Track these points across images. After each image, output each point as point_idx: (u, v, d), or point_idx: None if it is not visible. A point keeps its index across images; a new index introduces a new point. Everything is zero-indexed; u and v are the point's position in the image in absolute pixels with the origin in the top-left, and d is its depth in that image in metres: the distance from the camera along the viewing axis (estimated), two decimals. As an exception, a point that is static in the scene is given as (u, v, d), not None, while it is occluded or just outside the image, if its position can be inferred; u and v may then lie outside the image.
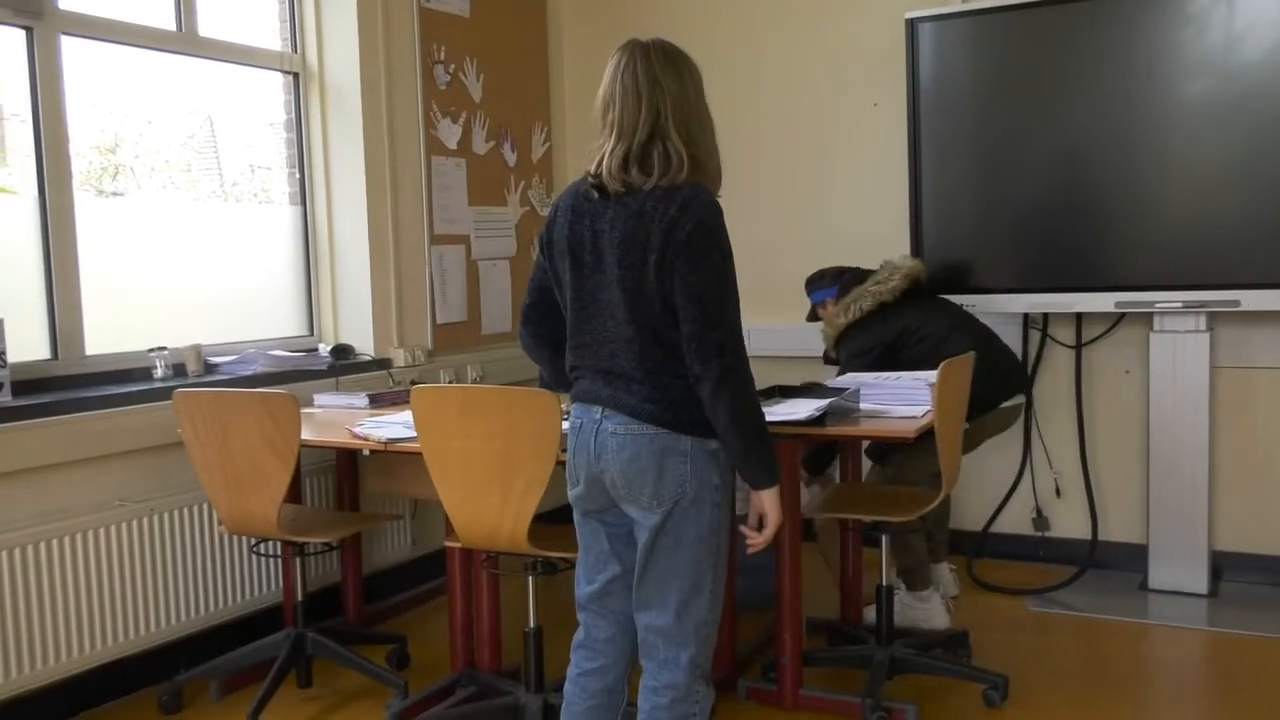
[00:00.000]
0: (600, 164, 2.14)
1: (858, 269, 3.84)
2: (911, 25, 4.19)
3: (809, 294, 3.93)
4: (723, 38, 4.80)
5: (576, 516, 2.31)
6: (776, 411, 3.07)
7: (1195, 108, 3.81)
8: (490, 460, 2.64)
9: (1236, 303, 3.79)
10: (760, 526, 2.22)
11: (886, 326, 3.67)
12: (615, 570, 2.27)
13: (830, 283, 3.86)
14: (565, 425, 2.33)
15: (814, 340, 4.58)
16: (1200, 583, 3.98)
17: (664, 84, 2.13)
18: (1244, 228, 3.78)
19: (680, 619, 2.19)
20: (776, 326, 4.54)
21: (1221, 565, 4.09)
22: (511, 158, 4.82)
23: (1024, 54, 4.05)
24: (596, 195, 2.15)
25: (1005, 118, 4.07)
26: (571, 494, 2.28)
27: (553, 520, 2.80)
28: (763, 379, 3.74)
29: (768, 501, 2.19)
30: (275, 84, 4.12)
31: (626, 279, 2.09)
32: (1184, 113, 3.83)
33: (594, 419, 2.16)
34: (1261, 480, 4.06)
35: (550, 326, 2.32)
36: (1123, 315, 4.15)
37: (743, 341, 2.12)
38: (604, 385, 2.16)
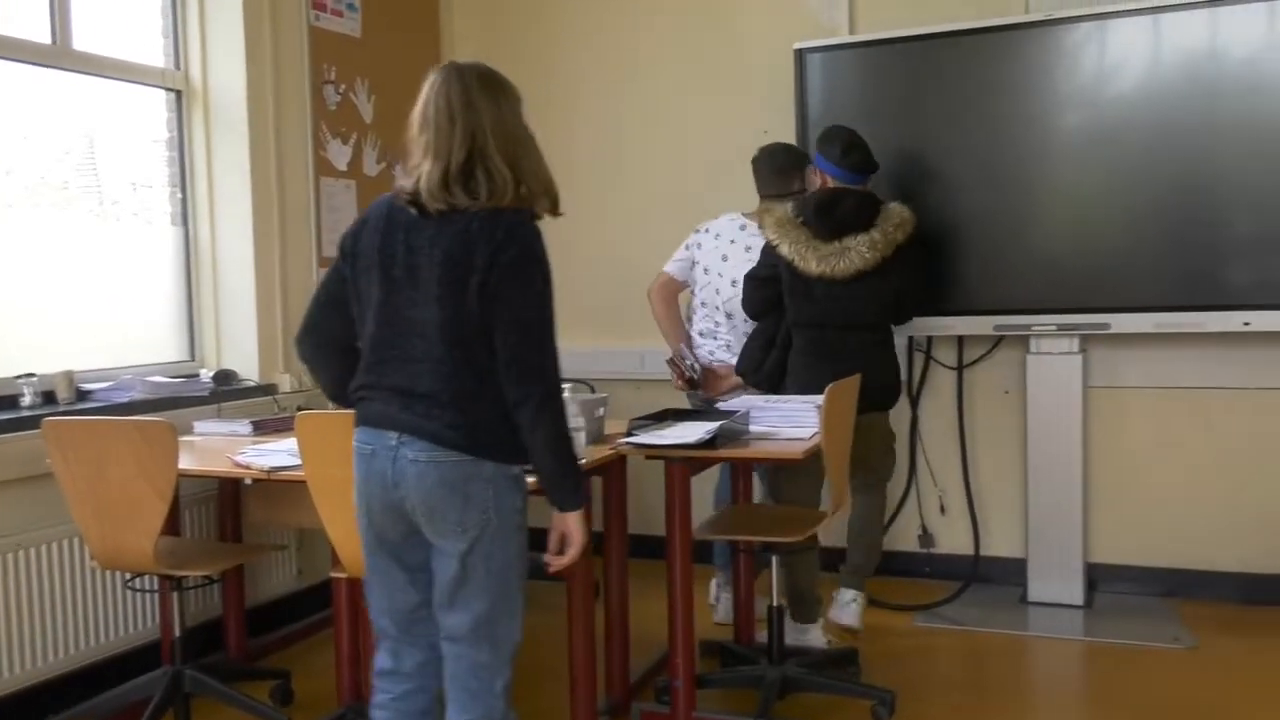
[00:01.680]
0: (417, 184, 2.10)
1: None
2: (800, 55, 4.24)
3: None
4: (615, 64, 4.81)
5: (368, 548, 2.22)
6: (668, 435, 3.07)
7: (1070, 138, 3.93)
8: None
9: (1106, 325, 3.92)
10: (562, 549, 2.21)
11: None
12: (414, 599, 2.21)
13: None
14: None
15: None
16: (1076, 594, 4.08)
17: (479, 107, 2.11)
18: (1114, 254, 3.91)
19: (496, 647, 2.16)
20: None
21: (1096, 577, 4.21)
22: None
23: (908, 85, 4.14)
24: (414, 212, 2.11)
25: (890, 147, 4.13)
26: (361, 524, 2.20)
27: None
28: (656, 402, 3.77)
29: (573, 523, 2.18)
30: (158, 101, 3.97)
31: (446, 299, 2.06)
32: (1059, 143, 3.95)
33: (389, 445, 2.11)
34: (1132, 494, 4.20)
35: (338, 338, 2.25)
36: (1001, 337, 4.25)
37: (559, 368, 2.11)
38: (401, 409, 2.10)
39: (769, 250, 3.60)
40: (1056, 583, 4.10)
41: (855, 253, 3.49)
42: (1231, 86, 3.73)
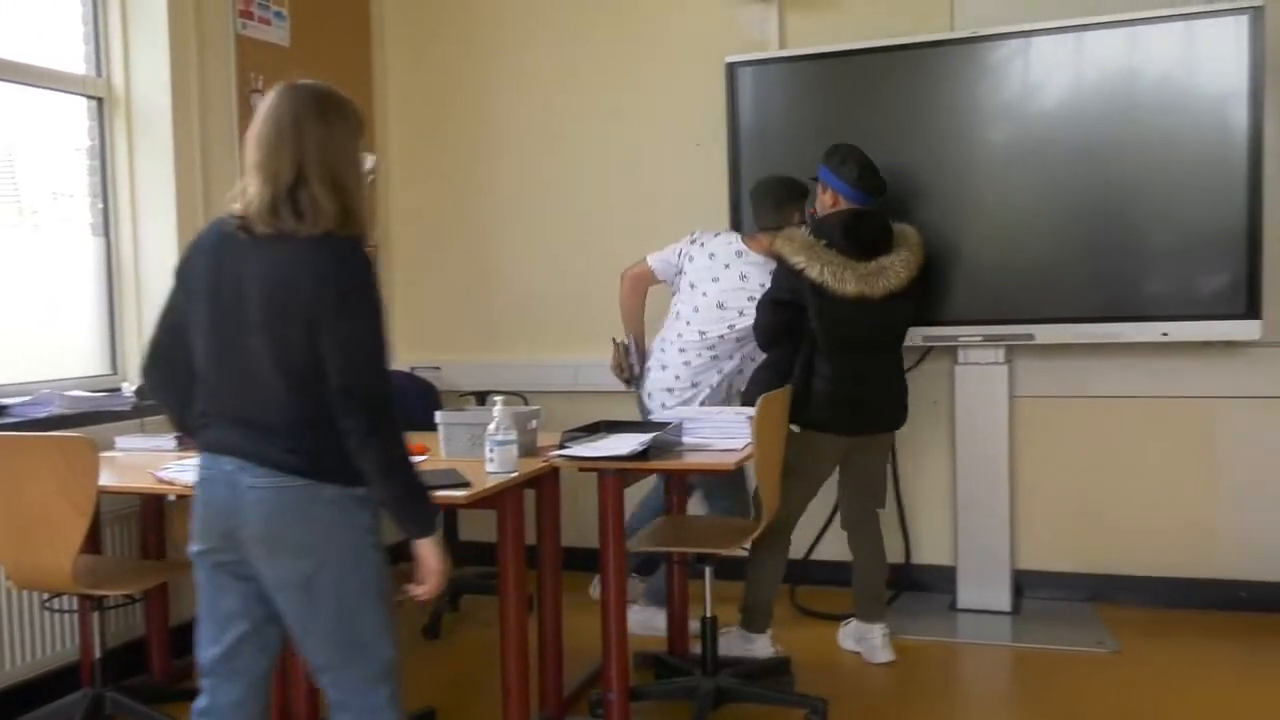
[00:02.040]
0: (247, 206, 2.06)
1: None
2: (731, 69, 4.28)
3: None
4: (548, 76, 4.80)
5: (202, 572, 2.15)
6: (601, 447, 3.07)
7: (995, 153, 4.02)
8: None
9: (1031, 336, 4.00)
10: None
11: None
12: (244, 628, 2.15)
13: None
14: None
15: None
16: (1004, 601, 4.16)
17: (307, 129, 2.05)
18: (1038, 266, 4.00)
19: (368, 663, 2.12)
20: (604, 361, 4.55)
21: (1023, 583, 4.28)
22: (333, 190, 4.67)
23: (839, 100, 4.19)
24: (244, 236, 2.06)
25: (819, 160, 4.19)
26: (196, 549, 2.14)
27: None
28: (590, 414, 3.76)
29: (425, 551, 2.13)
30: (79, 108, 3.88)
31: (275, 327, 2.02)
32: (985, 158, 4.03)
33: (226, 471, 2.07)
34: (1057, 501, 4.29)
35: (180, 367, 2.18)
36: (930, 349, 4.31)
37: (392, 395, 2.06)
38: (241, 436, 2.06)
39: (791, 274, 3.48)
40: (985, 589, 4.17)
41: (892, 272, 3.47)
42: (1149, 102, 3.84)
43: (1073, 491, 4.27)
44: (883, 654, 3.70)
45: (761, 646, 3.67)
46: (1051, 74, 3.96)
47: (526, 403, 4.19)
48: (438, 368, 4.89)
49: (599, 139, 4.76)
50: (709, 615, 3.26)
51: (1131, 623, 3.99)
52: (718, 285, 3.83)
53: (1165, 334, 3.86)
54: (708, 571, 3.26)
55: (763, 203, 3.84)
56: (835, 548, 4.54)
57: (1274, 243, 3.84)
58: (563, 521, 3.30)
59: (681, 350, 3.87)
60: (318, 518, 2.04)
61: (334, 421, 2.02)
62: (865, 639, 3.74)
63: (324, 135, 2.06)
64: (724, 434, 3.22)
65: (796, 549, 4.53)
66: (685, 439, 3.20)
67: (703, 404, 3.80)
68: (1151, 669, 3.57)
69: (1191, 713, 3.24)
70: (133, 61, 3.92)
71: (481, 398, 4.67)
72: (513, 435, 2.85)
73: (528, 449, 3.08)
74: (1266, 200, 3.76)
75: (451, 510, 4.21)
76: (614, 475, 3.00)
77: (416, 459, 3.05)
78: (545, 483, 3.15)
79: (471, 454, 3.00)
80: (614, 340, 4.06)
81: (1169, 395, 4.13)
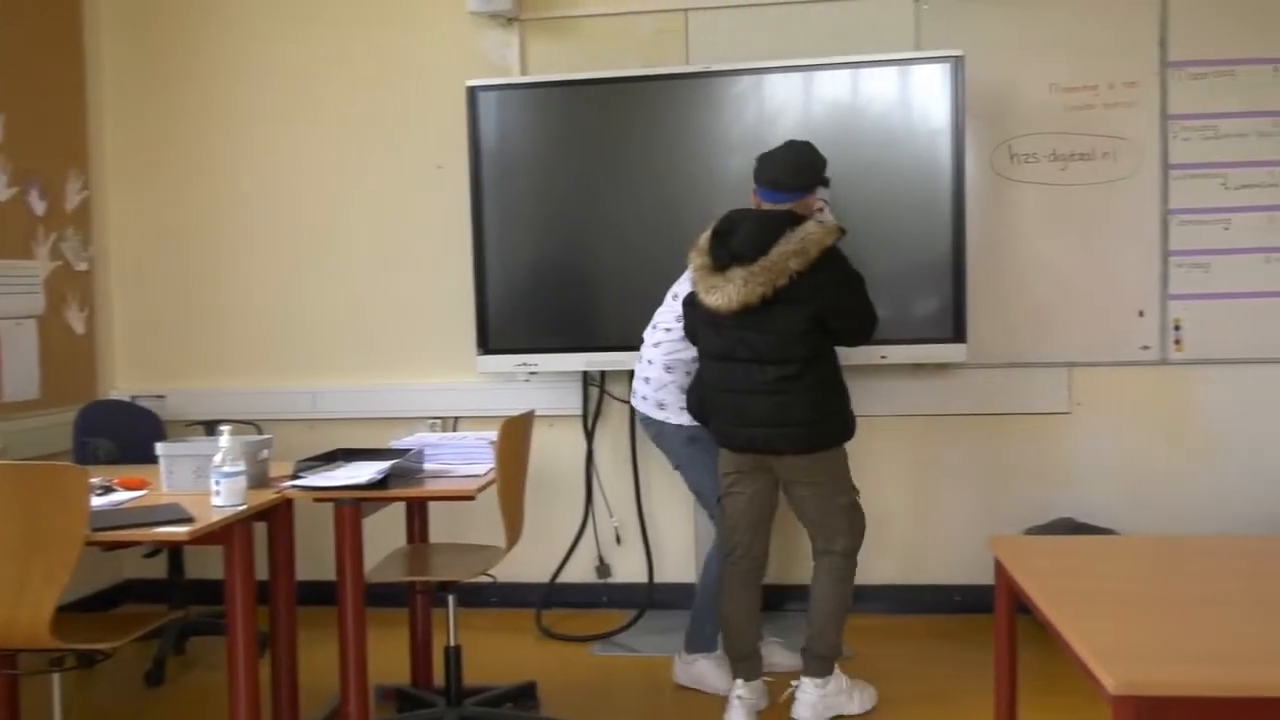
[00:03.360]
0: None
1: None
2: (472, 93, 4.30)
3: (791, 188, 3.38)
4: (283, 97, 4.67)
5: None
6: (338, 475, 3.00)
7: (729, 182, 4.20)
8: (3, 544, 2.34)
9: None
10: None
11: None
12: None
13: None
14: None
15: (384, 402, 4.55)
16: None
17: None
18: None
19: None
20: (346, 388, 4.46)
21: (767, 596, 4.46)
22: (40, 206, 4.35)
23: (579, 125, 4.29)
24: None
25: (564, 186, 4.28)
26: None
27: (85, 608, 2.52)
28: (329, 442, 3.67)
29: None
30: None
31: None
32: (725, 186, 4.20)
33: None
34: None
35: None
36: (671, 371, 4.46)
37: None
38: None
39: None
40: (725, 604, 4.33)
41: (734, 286, 3.19)
42: (869, 140, 4.14)
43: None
44: (806, 713, 3.40)
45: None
46: (782, 109, 4.20)
47: (260, 431, 4.04)
48: (162, 396, 4.64)
49: (339, 159, 4.66)
50: (453, 644, 3.23)
51: (865, 630, 4.22)
52: (663, 307, 3.76)
53: (884, 357, 4.16)
54: (451, 599, 3.25)
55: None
56: (580, 570, 4.62)
57: (977, 271, 4.23)
58: (301, 555, 3.21)
59: (650, 363, 3.73)
60: None
61: None
62: (796, 696, 3.46)
63: None
64: (466, 459, 3.22)
65: (542, 574, 4.60)
66: (426, 465, 3.18)
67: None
68: (883, 675, 3.73)
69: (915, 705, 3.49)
70: None
71: (211, 427, 4.45)
72: (241, 466, 2.75)
73: (259, 480, 2.98)
74: (969, 231, 4.14)
75: (176, 548, 4.00)
76: (351, 505, 2.94)
77: (134, 494, 2.90)
78: (278, 515, 3.06)
79: (197, 487, 2.88)
80: None
81: (889, 414, 4.45)
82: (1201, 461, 4.33)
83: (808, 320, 3.22)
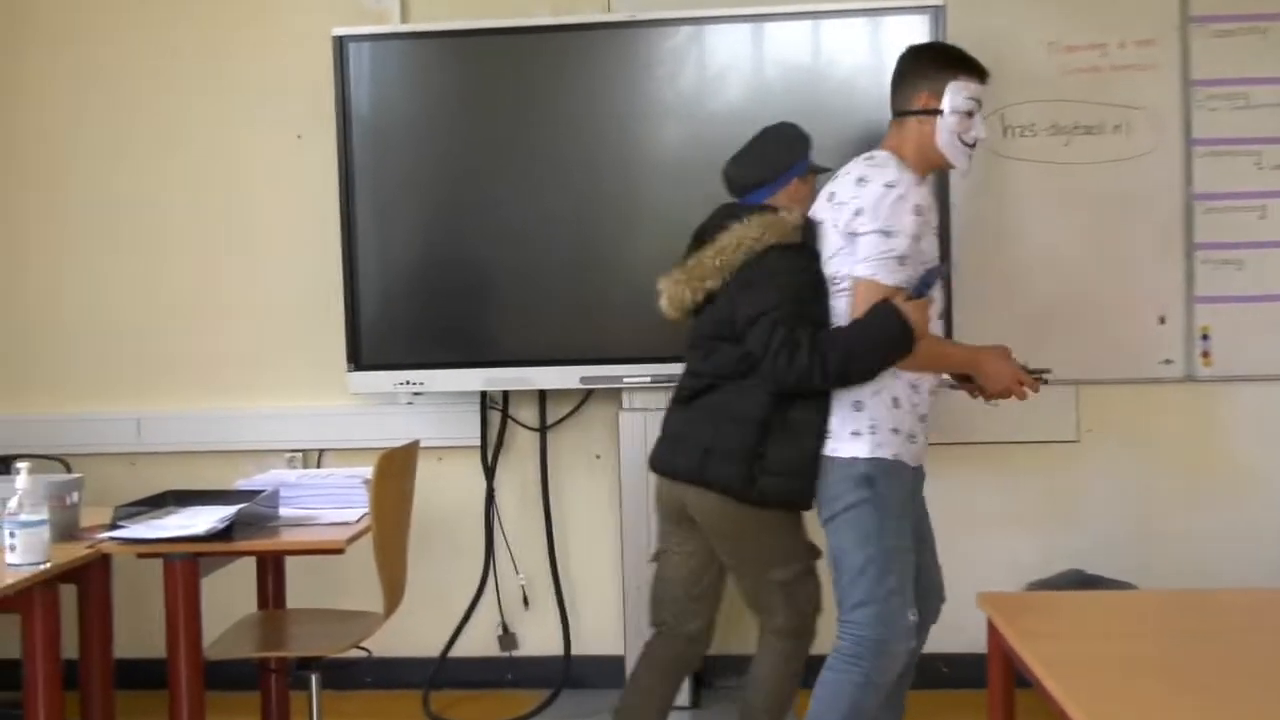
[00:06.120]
0: None
1: None
2: (340, 44, 4.27)
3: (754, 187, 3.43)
4: (112, 64, 4.63)
5: None
6: (168, 524, 3.00)
7: (662, 157, 4.22)
8: None
9: (706, 376, 4.23)
10: None
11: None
12: None
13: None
14: None
15: (227, 431, 4.49)
16: (682, 695, 4.32)
17: None
18: (712, 292, 4.24)
19: None
20: (180, 414, 4.40)
21: (705, 672, 4.49)
22: None
23: (475, 89, 4.28)
24: None
25: (455, 163, 4.26)
26: None
27: None
28: (158, 482, 3.61)
29: None
30: None
31: None
32: (649, 161, 4.23)
33: None
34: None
35: None
36: (590, 392, 4.47)
37: None
38: None
39: None
40: (659, 681, 4.33)
41: (666, 287, 3.38)
42: (835, 104, 4.18)
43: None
44: None
45: None
46: (726, 70, 4.23)
47: (69, 469, 3.97)
48: (-59, 426, 4.54)
49: (167, 131, 4.60)
50: (316, 732, 3.21)
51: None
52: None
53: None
54: (314, 679, 3.21)
55: None
56: (478, 641, 4.59)
57: (963, 267, 4.30)
58: (119, 626, 3.19)
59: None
60: None
61: None
62: None
63: None
64: (333, 502, 3.22)
65: (430, 647, 4.56)
66: (282, 511, 3.17)
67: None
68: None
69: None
70: None
71: (5, 464, 4.35)
72: (43, 514, 2.73)
73: (66, 531, 2.98)
74: (954, 221, 4.21)
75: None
76: (185, 561, 2.91)
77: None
78: (91, 575, 3.03)
79: (-15, 541, 2.83)
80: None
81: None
82: (1233, 499, 4.44)
83: (718, 325, 3.25)
